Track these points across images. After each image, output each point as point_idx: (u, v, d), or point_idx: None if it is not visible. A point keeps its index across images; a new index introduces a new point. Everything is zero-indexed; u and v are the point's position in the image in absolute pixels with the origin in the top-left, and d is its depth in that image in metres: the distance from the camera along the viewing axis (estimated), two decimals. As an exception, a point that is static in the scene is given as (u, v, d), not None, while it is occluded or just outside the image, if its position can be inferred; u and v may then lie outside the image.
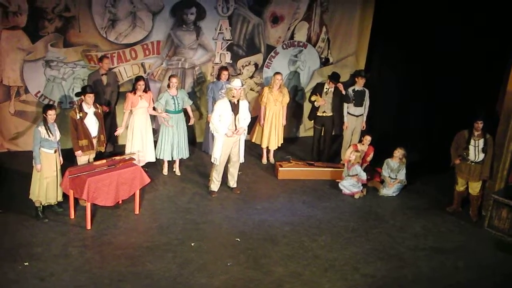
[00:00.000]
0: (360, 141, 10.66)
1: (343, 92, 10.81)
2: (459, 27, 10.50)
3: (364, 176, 10.10)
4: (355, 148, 10.40)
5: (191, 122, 10.35)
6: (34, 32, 10.34)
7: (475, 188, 9.38)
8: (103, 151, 9.46)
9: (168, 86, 9.93)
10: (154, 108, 9.99)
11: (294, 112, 12.41)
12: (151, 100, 9.88)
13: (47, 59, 10.57)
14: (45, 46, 10.48)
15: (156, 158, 10.14)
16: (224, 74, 10.54)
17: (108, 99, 10.37)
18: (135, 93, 9.68)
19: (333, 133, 11.32)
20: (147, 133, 9.91)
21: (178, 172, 10.40)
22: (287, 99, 10.94)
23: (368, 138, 10.46)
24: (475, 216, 9.47)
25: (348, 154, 10.38)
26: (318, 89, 10.99)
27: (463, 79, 10.57)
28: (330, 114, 10.93)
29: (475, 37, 10.30)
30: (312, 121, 11.27)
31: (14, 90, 10.57)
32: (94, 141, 9.03)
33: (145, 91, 9.77)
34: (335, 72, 11.13)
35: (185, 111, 10.20)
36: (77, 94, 9.23)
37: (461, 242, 8.80)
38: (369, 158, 10.52)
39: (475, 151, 9.18)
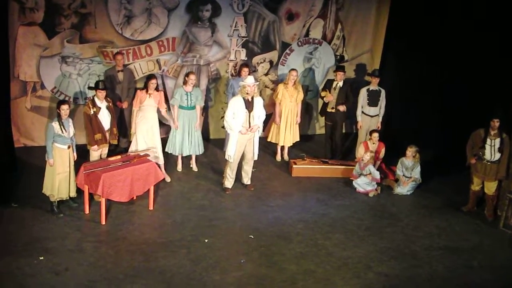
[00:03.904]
0: (369, 139, 10.61)
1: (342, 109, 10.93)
2: (474, 25, 10.43)
3: (377, 175, 10.05)
4: (365, 147, 10.37)
5: (197, 127, 10.19)
6: (51, 28, 10.42)
7: (490, 187, 9.31)
8: (116, 143, 9.51)
9: (185, 82, 9.93)
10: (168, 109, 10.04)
11: (308, 110, 12.39)
12: (162, 100, 9.74)
13: (63, 55, 10.64)
14: (61, 42, 10.55)
15: (170, 155, 10.18)
16: (245, 71, 10.47)
17: (125, 95, 10.41)
18: (147, 91, 9.56)
19: (343, 131, 11.27)
20: (155, 133, 9.76)
21: (195, 168, 10.42)
22: (301, 96, 10.93)
23: (375, 135, 10.42)
24: (490, 216, 9.40)
25: (361, 153, 10.35)
26: (328, 85, 10.99)
27: (479, 78, 10.49)
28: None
29: (491, 34, 10.22)
30: (324, 118, 11.28)
31: (31, 85, 10.67)
32: (107, 134, 9.09)
33: (156, 89, 9.70)
34: (339, 65, 11.37)
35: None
36: (90, 88, 9.26)
37: (476, 242, 8.73)
38: (381, 155, 10.49)
39: (491, 150, 9.11)
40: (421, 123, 11.52)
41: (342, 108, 10.85)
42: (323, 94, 10.98)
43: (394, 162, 10.38)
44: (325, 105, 11.04)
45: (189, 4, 11.08)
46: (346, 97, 10.85)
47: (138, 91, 9.73)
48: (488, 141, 9.11)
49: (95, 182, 8.35)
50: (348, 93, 10.88)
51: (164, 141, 10.08)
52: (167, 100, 10.91)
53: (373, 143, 10.45)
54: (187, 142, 10.08)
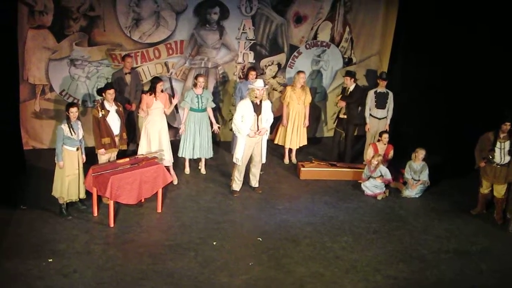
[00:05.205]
0: (378, 140, 10.58)
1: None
2: (483, 27, 10.40)
3: (389, 175, 10.03)
4: (374, 148, 10.35)
5: (215, 127, 10.17)
6: (60, 31, 10.47)
7: (500, 190, 9.27)
8: (125, 149, 9.51)
9: (195, 85, 9.95)
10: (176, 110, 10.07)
11: (316, 112, 12.37)
12: (167, 101, 9.75)
13: (72, 58, 10.68)
14: (70, 45, 10.59)
15: (178, 157, 10.19)
16: (252, 74, 10.49)
17: (132, 97, 10.43)
18: (151, 94, 9.55)
19: (355, 134, 11.25)
20: (163, 135, 9.73)
21: (203, 171, 10.43)
22: (309, 98, 10.92)
23: (385, 136, 10.41)
24: (499, 219, 9.36)
25: (370, 154, 10.33)
26: (342, 92, 10.99)
27: (487, 80, 10.46)
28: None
29: (501, 37, 10.20)
30: (335, 124, 11.29)
31: (40, 88, 10.71)
32: (116, 139, 9.08)
33: (161, 91, 9.67)
34: (348, 70, 11.35)
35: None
36: (99, 91, 9.28)
37: (485, 245, 8.69)
38: (389, 157, 10.46)
39: (501, 153, 9.07)
40: (430, 125, 11.49)
41: (340, 103, 10.85)
42: (336, 100, 10.99)
43: (402, 164, 10.34)
44: (339, 112, 11.07)
45: (197, 7, 11.10)
46: (354, 99, 10.81)
47: (144, 95, 9.71)
48: (498, 144, 9.08)
49: (103, 184, 8.37)
50: (357, 97, 10.84)
51: (172, 144, 10.09)
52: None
53: (384, 144, 10.42)
54: (198, 145, 10.09)
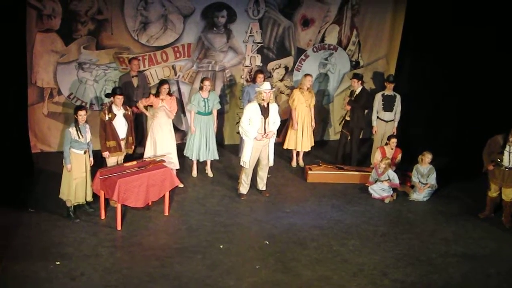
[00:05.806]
0: (386, 144, 10.56)
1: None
2: (492, 28, 10.37)
3: (397, 180, 10.00)
4: (382, 152, 10.33)
5: (214, 128, 10.25)
6: (68, 35, 10.52)
7: (508, 194, 9.22)
8: (131, 153, 9.52)
9: (201, 88, 9.97)
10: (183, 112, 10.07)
11: (323, 115, 12.36)
12: (174, 103, 9.73)
13: (80, 61, 10.72)
14: (78, 48, 10.64)
15: (185, 160, 10.20)
16: (260, 77, 10.49)
17: (139, 101, 10.43)
18: (158, 96, 9.56)
19: (360, 137, 11.23)
20: (169, 138, 9.71)
21: (210, 174, 10.45)
22: (313, 100, 10.95)
23: (393, 141, 10.38)
24: (508, 223, 9.31)
25: (377, 158, 10.31)
26: (350, 95, 10.99)
27: (496, 82, 10.42)
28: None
29: (510, 39, 10.16)
30: (341, 126, 11.28)
31: (48, 91, 10.76)
32: (122, 143, 9.10)
33: (168, 94, 9.68)
34: (356, 72, 11.36)
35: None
36: (107, 95, 9.30)
37: (493, 249, 8.65)
38: (397, 161, 10.44)
39: (510, 156, 9.02)
40: (437, 128, 11.46)
41: (346, 107, 10.89)
42: (343, 103, 11.00)
43: (409, 168, 10.31)
44: (346, 115, 11.07)
45: (204, 10, 11.12)
46: (359, 103, 10.80)
47: (152, 95, 9.72)
48: (507, 147, 9.03)
49: (111, 187, 8.39)
50: (363, 101, 10.83)
51: (179, 147, 10.10)
52: (181, 105, 10.96)
53: (391, 149, 10.40)
54: (204, 147, 10.11)
